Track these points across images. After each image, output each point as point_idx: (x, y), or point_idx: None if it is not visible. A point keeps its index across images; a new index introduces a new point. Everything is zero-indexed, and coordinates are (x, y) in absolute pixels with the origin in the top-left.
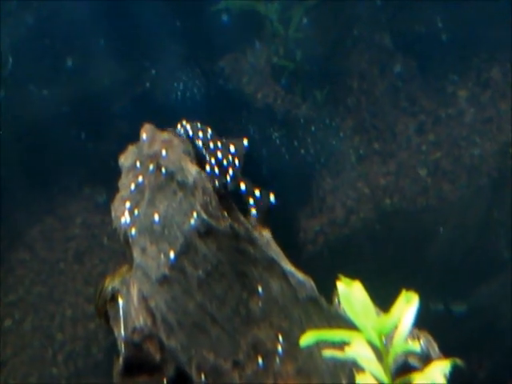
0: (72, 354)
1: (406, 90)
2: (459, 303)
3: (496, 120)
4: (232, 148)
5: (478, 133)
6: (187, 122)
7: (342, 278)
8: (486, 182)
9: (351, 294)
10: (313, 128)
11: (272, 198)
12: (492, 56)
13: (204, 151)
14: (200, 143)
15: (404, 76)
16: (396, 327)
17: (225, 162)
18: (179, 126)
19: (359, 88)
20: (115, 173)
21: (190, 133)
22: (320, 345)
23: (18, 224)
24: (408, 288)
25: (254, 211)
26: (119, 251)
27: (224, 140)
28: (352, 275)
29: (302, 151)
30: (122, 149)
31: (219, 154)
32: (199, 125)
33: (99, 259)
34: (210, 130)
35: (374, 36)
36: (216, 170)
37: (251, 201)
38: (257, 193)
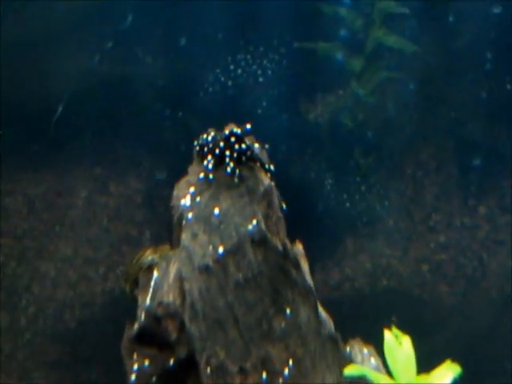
0: (42, 315)
1: (436, 186)
2: None
3: (508, 245)
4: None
5: (486, 251)
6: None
7: (393, 327)
8: (485, 297)
9: (398, 345)
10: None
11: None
12: None
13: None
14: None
15: (446, 177)
16: None
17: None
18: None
19: (412, 174)
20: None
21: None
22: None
23: (22, 177)
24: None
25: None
26: (116, 234)
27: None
28: None
29: (347, 205)
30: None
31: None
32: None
33: (96, 237)
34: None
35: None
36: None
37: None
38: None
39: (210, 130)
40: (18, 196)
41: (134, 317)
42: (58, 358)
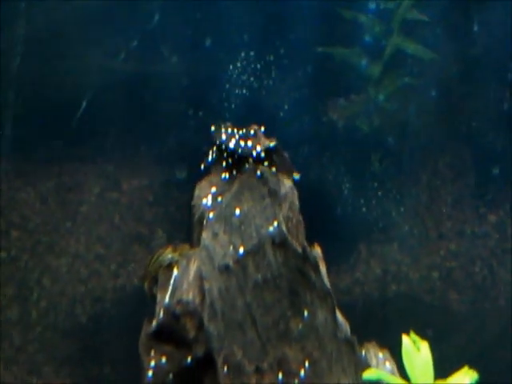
0: (53, 310)
1: (452, 196)
2: None
3: None
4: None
5: (496, 259)
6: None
7: (412, 333)
8: (494, 305)
9: (416, 350)
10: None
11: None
12: None
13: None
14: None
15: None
16: None
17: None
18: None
19: (428, 182)
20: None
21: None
22: None
23: (35, 171)
24: None
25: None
26: (127, 232)
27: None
28: None
29: (364, 210)
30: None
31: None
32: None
33: (107, 233)
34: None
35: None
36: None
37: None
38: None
39: (227, 124)
40: (31, 190)
41: (146, 313)
42: (69, 352)
